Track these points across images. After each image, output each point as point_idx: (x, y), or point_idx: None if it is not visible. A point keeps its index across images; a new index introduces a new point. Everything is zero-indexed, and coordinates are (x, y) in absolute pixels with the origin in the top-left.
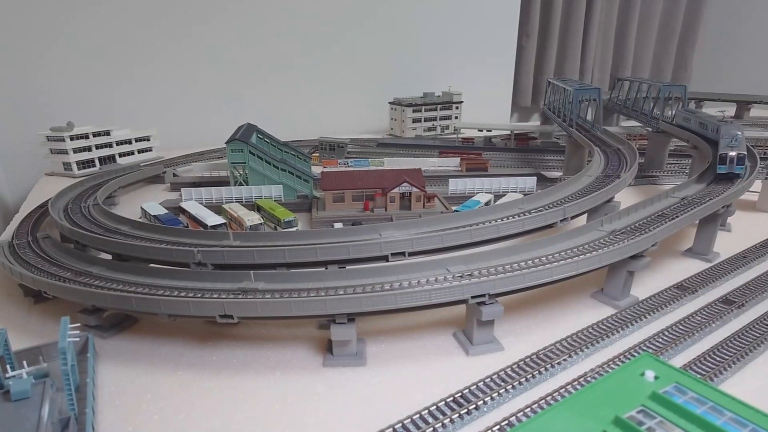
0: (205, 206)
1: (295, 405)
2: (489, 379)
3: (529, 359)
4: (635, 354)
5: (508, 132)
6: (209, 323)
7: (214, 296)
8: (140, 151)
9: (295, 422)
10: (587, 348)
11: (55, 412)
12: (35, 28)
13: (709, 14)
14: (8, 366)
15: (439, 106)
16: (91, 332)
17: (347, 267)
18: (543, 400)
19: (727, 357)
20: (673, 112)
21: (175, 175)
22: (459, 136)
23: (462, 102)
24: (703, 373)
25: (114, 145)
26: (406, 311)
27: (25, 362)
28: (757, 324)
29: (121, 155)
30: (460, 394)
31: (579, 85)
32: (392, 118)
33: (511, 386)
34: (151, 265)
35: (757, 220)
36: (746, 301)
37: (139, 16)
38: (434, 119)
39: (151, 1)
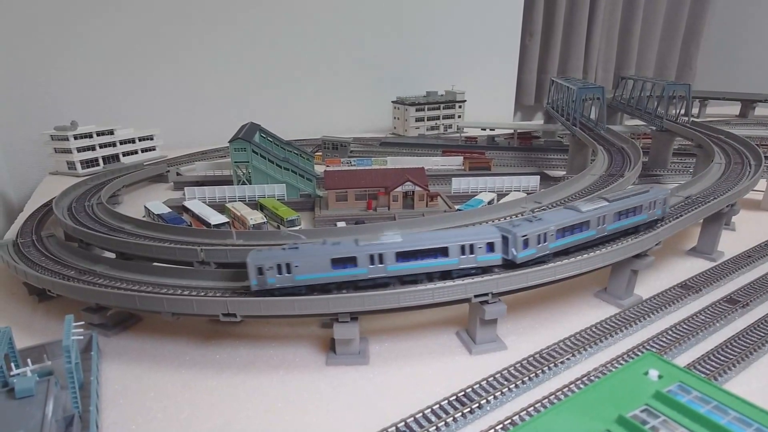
0: (208, 205)
1: (297, 404)
2: (492, 378)
3: (532, 358)
4: (639, 353)
5: (512, 131)
6: (212, 322)
7: (218, 295)
8: (144, 150)
9: (298, 421)
10: (590, 347)
11: (59, 409)
12: (39, 29)
13: (714, 12)
14: (13, 364)
15: (442, 105)
16: (95, 330)
17: None
18: (546, 399)
19: (731, 356)
20: (678, 111)
21: (178, 174)
22: (462, 135)
23: (465, 101)
24: (708, 372)
25: (117, 144)
26: (409, 310)
27: (29, 360)
28: (762, 323)
29: (124, 154)
30: (462, 393)
31: (582, 83)
32: (395, 117)
33: (514, 385)
34: (155, 263)
35: (761, 219)
36: (751, 301)
37: (141, 17)
38: (437, 118)
39: (153, 3)
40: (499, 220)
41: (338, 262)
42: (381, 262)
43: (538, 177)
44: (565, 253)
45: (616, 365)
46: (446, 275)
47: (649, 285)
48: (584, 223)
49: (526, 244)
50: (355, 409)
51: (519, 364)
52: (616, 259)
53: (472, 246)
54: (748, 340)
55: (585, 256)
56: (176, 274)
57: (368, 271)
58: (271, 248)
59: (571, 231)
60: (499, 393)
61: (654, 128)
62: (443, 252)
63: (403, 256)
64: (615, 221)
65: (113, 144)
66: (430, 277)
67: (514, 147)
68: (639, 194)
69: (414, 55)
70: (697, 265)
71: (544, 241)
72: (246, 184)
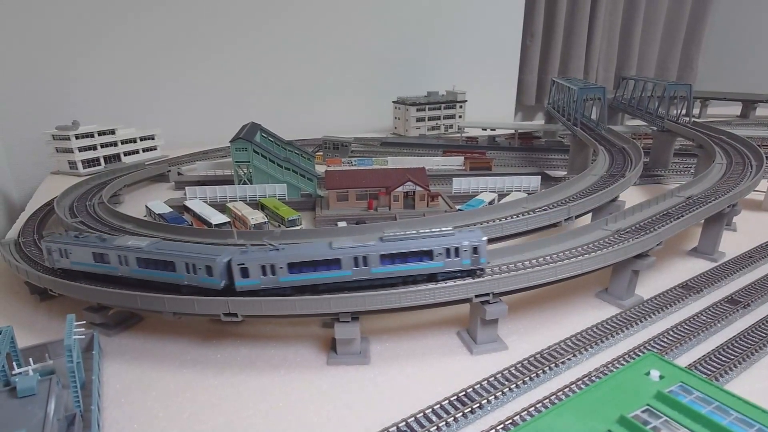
0: (209, 205)
1: (298, 403)
2: (493, 378)
3: (533, 358)
4: (640, 353)
5: (512, 131)
6: (213, 321)
7: (219, 294)
8: (145, 150)
9: (299, 420)
10: (592, 347)
11: (61, 408)
12: (40, 29)
13: (715, 12)
14: (15, 363)
15: (443, 105)
16: (97, 330)
17: None
18: (547, 400)
19: (732, 357)
20: (679, 111)
21: (179, 173)
22: (463, 135)
23: (466, 101)
24: (709, 372)
25: (119, 143)
26: (410, 310)
27: (31, 359)
28: (763, 324)
29: (125, 154)
30: (463, 393)
31: (583, 83)
32: (396, 117)
33: (515, 385)
34: None
35: (763, 220)
36: (752, 301)
37: (142, 18)
38: (438, 118)
39: (154, 4)
40: (500, 220)
41: (97, 257)
42: (126, 264)
43: (539, 177)
44: (314, 290)
45: (618, 365)
46: (177, 288)
47: (650, 285)
48: (333, 261)
49: (245, 273)
50: (356, 408)
51: (520, 364)
52: (617, 260)
53: (194, 266)
54: (749, 341)
55: (586, 256)
56: None
57: (118, 270)
58: (66, 234)
59: (314, 268)
60: (500, 393)
61: (655, 128)
62: (172, 266)
63: (143, 262)
64: (385, 264)
65: (114, 144)
66: (169, 286)
67: (515, 147)
68: (431, 237)
69: (415, 55)
70: (699, 266)
71: (273, 274)
72: (247, 184)
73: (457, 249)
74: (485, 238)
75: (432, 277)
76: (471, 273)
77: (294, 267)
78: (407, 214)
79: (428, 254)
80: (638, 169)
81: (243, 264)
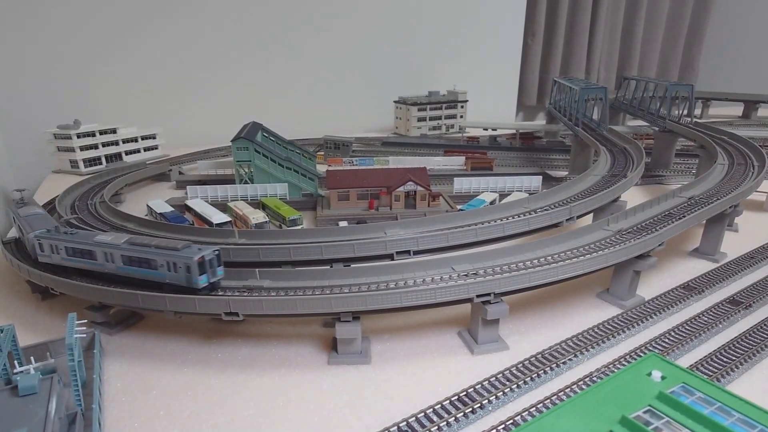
0: (210, 204)
1: (299, 402)
2: (494, 378)
3: (534, 358)
4: (642, 354)
5: (514, 131)
6: (214, 320)
7: (220, 293)
8: (146, 149)
9: (300, 419)
10: (593, 348)
11: (63, 407)
12: (41, 29)
13: (717, 13)
14: (16, 361)
15: (444, 105)
16: (98, 329)
17: (352, 265)
18: (548, 400)
19: (734, 357)
20: (680, 112)
21: (180, 173)
22: (464, 135)
23: (467, 101)
24: (711, 373)
25: (120, 143)
26: (411, 310)
27: (32, 358)
28: (765, 325)
29: (127, 153)
30: (464, 393)
31: (585, 84)
32: (397, 117)
33: (516, 385)
34: None
35: (764, 221)
36: (753, 302)
37: (145, 16)
38: (439, 118)
39: (155, 4)
40: (501, 220)
41: (11, 220)
42: (17, 224)
43: (540, 177)
44: (89, 276)
45: (619, 366)
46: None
47: (651, 286)
48: (92, 252)
49: (41, 248)
50: (356, 408)
51: (521, 364)
52: (618, 260)
53: (26, 236)
54: (751, 342)
55: (588, 256)
56: None
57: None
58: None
59: (81, 254)
60: (501, 393)
61: (657, 129)
62: (22, 233)
63: (19, 226)
64: (126, 264)
65: (116, 143)
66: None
67: (516, 147)
68: (158, 248)
69: (416, 54)
70: (700, 266)
71: (57, 252)
72: (248, 183)
73: (175, 265)
74: (197, 259)
75: (161, 287)
76: (194, 290)
77: (68, 251)
78: (408, 213)
79: (153, 264)
80: (640, 170)
81: (39, 241)
